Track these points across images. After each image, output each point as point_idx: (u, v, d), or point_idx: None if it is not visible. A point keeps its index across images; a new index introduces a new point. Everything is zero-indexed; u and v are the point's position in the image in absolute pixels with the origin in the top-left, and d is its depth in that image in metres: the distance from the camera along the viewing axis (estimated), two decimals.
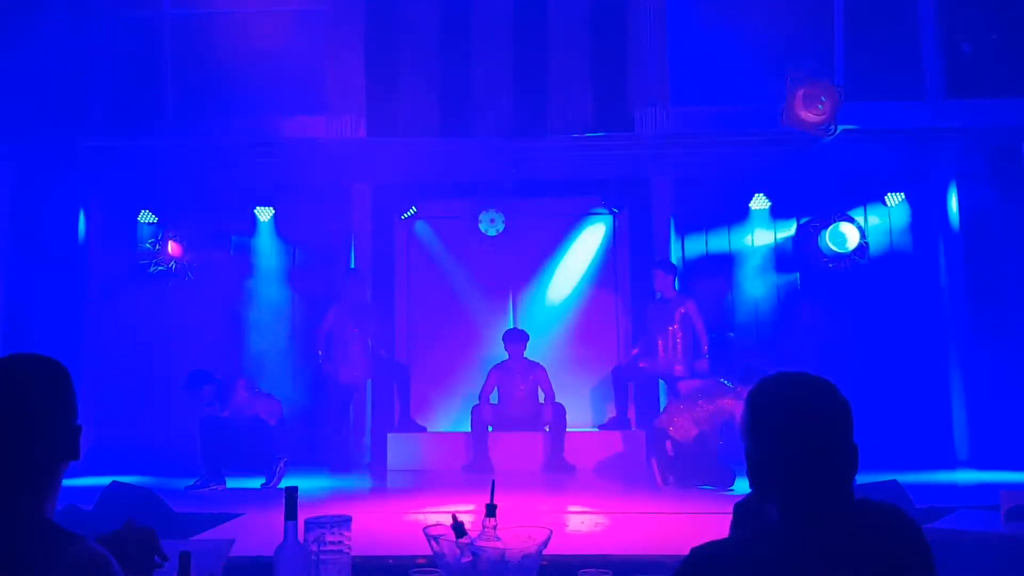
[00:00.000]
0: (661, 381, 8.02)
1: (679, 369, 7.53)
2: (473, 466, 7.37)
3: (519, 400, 7.77)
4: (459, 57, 6.75)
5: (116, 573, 1.45)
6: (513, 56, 6.74)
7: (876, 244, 8.40)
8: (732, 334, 6.74)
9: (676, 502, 5.80)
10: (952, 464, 7.67)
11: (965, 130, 7.21)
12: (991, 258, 7.88)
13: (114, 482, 5.15)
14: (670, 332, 7.61)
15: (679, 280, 7.83)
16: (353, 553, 2.21)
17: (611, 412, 8.18)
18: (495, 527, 2.21)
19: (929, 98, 7.17)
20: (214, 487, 6.58)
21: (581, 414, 8.31)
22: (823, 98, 6.49)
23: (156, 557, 1.82)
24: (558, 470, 7.26)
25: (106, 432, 7.43)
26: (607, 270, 8.84)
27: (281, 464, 6.74)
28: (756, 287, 8.46)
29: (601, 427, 8.09)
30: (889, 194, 8.37)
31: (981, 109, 7.04)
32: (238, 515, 5.07)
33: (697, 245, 8.58)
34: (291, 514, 2.06)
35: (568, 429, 7.56)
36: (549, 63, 6.73)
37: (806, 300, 8.39)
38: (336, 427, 7.94)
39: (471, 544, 2.16)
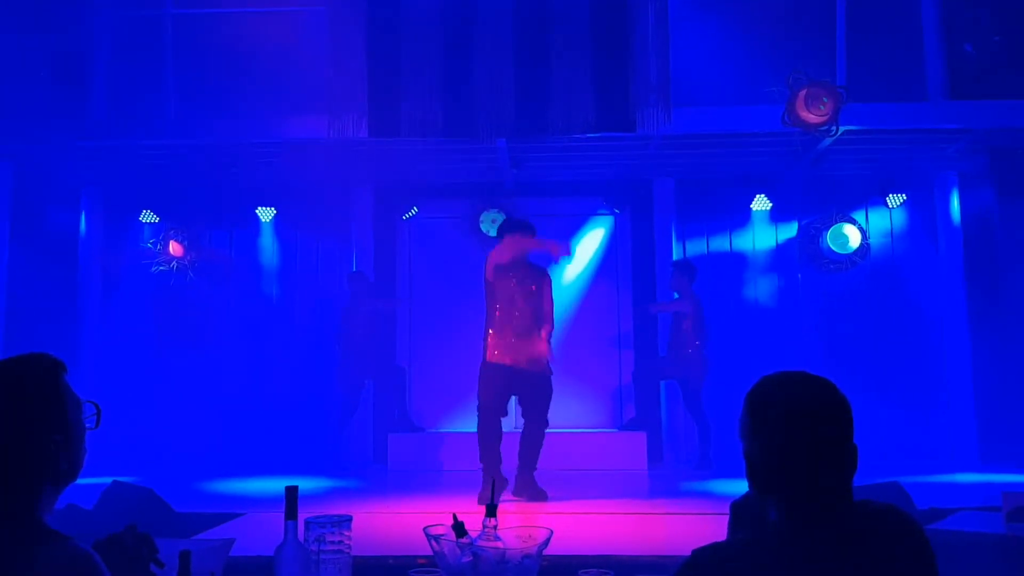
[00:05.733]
0: (667, 382, 8.07)
1: (694, 367, 7.54)
2: None
3: None
4: (461, 57, 6.75)
5: (102, 575, 1.44)
6: (514, 56, 6.74)
7: (877, 245, 8.40)
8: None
9: (676, 503, 5.80)
10: (957, 466, 7.65)
11: (967, 131, 7.21)
12: (993, 259, 7.87)
13: (114, 481, 5.15)
14: (683, 331, 7.64)
15: (693, 280, 7.79)
16: (353, 553, 2.21)
17: (629, 413, 8.25)
18: (495, 527, 2.21)
19: (931, 99, 7.17)
20: None
21: (583, 414, 8.31)
22: (825, 99, 6.49)
23: (152, 565, 1.81)
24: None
25: (106, 431, 7.42)
26: (609, 270, 8.83)
27: None
28: (757, 288, 8.46)
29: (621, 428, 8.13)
30: (890, 195, 8.36)
31: (983, 110, 7.03)
32: (239, 515, 5.07)
33: (698, 246, 8.57)
34: (291, 514, 2.05)
35: (571, 430, 7.57)
36: (551, 63, 6.73)
37: (808, 301, 8.38)
38: (337, 427, 7.95)
39: (471, 544, 2.16)
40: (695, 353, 7.58)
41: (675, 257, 8.28)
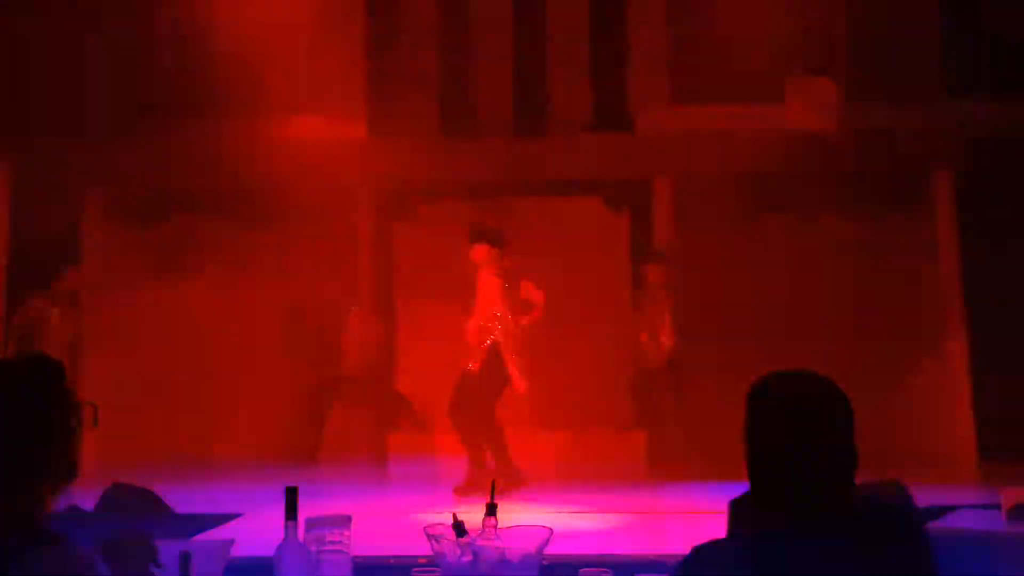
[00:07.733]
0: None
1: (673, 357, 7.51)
2: None
3: None
4: (459, 57, 6.76)
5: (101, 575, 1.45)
6: (513, 56, 6.75)
7: (876, 244, 8.39)
8: None
9: (676, 501, 5.80)
10: (954, 464, 7.66)
11: (967, 129, 7.20)
12: (992, 258, 7.87)
13: (114, 482, 5.15)
14: (666, 323, 7.63)
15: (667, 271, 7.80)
16: (353, 553, 2.21)
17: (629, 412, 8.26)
18: (495, 526, 2.21)
19: (931, 97, 7.17)
20: None
21: (582, 413, 8.31)
22: (825, 97, 6.50)
23: (152, 566, 1.81)
24: None
25: (106, 431, 7.41)
26: (608, 270, 8.82)
27: None
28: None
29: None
30: (891, 192, 8.34)
31: (983, 109, 7.03)
32: (238, 515, 5.07)
33: (698, 244, 8.55)
34: (291, 514, 2.05)
35: (570, 429, 7.58)
36: (549, 62, 6.74)
37: (807, 299, 8.36)
38: (336, 426, 7.94)
39: (471, 543, 2.16)
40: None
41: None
